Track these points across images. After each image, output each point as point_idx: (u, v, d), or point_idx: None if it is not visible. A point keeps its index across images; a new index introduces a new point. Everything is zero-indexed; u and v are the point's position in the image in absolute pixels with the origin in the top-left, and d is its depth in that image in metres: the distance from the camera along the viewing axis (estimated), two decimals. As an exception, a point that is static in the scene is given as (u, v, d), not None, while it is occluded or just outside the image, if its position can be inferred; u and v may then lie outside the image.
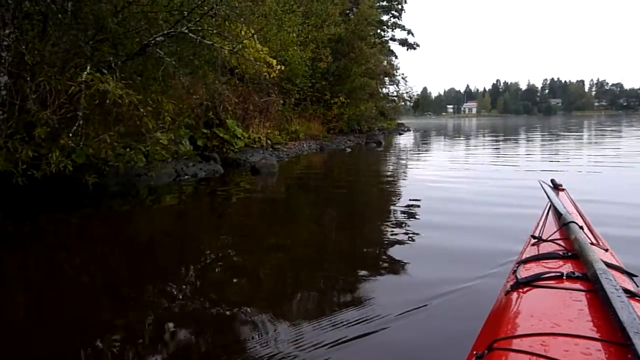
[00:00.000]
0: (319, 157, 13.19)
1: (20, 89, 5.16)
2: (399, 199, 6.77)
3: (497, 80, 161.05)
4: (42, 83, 5.19)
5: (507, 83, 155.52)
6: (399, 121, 41.74)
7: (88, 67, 5.58)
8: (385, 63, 34.03)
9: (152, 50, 6.05)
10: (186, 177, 7.90)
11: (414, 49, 35.14)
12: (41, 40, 5.57)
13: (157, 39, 6.11)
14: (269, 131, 13.75)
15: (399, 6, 33.47)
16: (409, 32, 34.82)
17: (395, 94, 38.50)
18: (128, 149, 5.98)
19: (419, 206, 5.68)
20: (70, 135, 4.99)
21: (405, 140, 23.64)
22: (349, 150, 14.91)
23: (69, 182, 6.27)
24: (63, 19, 5.78)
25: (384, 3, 33.45)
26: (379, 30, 32.41)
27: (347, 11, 23.72)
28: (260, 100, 14.10)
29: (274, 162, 9.21)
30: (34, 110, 4.74)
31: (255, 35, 9.48)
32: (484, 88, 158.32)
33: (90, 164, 5.91)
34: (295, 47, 15.77)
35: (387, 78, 34.97)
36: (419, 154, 15.43)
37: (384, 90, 36.40)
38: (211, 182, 7.88)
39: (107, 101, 5.00)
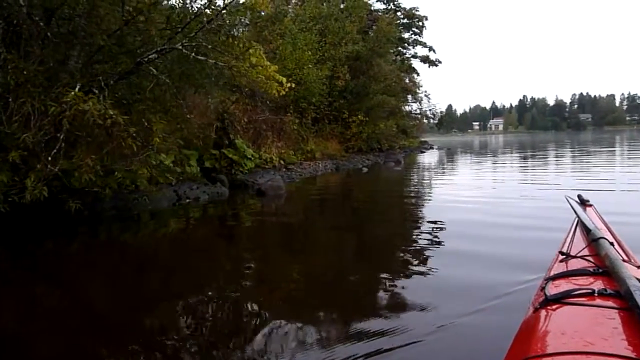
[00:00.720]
0: (334, 177, 12.67)
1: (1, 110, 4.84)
2: (419, 217, 6.42)
3: (524, 96, 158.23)
4: (25, 103, 4.86)
5: (534, 99, 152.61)
6: (422, 139, 41.13)
7: (77, 87, 5.26)
8: (407, 80, 33.67)
9: (146, 68, 5.69)
10: (187, 200, 7.50)
11: (436, 65, 34.64)
12: (26, 59, 5.28)
13: (150, 56, 5.77)
14: (283, 151, 13.37)
15: (420, 23, 33.12)
16: (430, 49, 34.41)
17: (418, 111, 38.12)
18: (116, 173, 5.58)
19: (442, 223, 5.43)
20: (50, 158, 4.62)
21: (428, 158, 22.92)
22: (365, 169, 14.33)
23: (61, 207, 5.96)
24: (50, 38, 5.51)
25: (405, 21, 33.16)
26: (399, 48, 32.08)
27: (366, 29, 23.44)
28: (274, 119, 13.76)
29: (281, 184, 8.74)
30: (3, 132, 4.39)
31: (262, 52, 9.15)
32: (510, 104, 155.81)
33: (74, 189, 5.55)
34: (310, 65, 15.44)
35: (409, 95, 34.57)
36: (441, 172, 14.78)
37: (407, 108, 36.11)
38: (213, 206, 7.45)
39: (89, 122, 4.61)
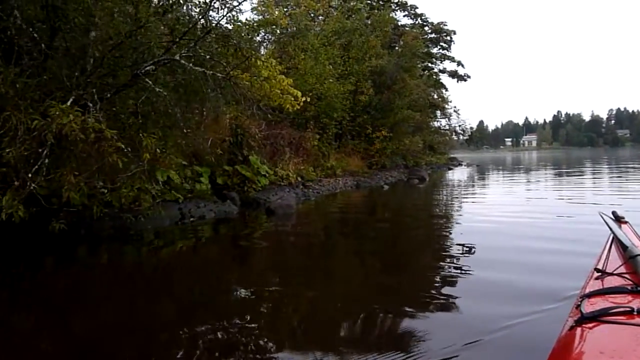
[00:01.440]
0: (353, 195, 12.13)
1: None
2: (444, 239, 6.01)
3: (558, 112, 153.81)
4: (11, 117, 4.59)
5: (569, 114, 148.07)
6: (451, 155, 40.16)
7: (70, 101, 4.98)
8: (435, 96, 32.98)
9: (142, 80, 5.38)
10: (192, 219, 7.13)
11: (465, 80, 33.87)
12: (22, 73, 5.05)
13: (147, 67, 5.46)
14: (301, 167, 12.95)
15: (448, 37, 32.50)
16: (459, 63, 33.68)
17: (446, 127, 37.25)
18: (105, 191, 5.24)
19: (469, 246, 5.11)
20: (29, 175, 4.30)
21: (456, 175, 22.08)
22: (386, 187, 13.69)
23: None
24: (49, 53, 5.27)
25: (432, 35, 32.61)
26: (427, 63, 31.50)
27: (393, 44, 23.03)
28: (292, 134, 13.40)
29: (292, 202, 8.30)
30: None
31: (275, 65, 8.82)
32: (544, 120, 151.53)
33: (71, 208, 5.24)
34: (331, 80, 15.08)
35: (437, 111, 33.83)
36: (470, 189, 14.06)
37: (436, 124, 35.30)
38: (217, 225, 7.06)
39: (74, 137, 4.29)
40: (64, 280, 4.37)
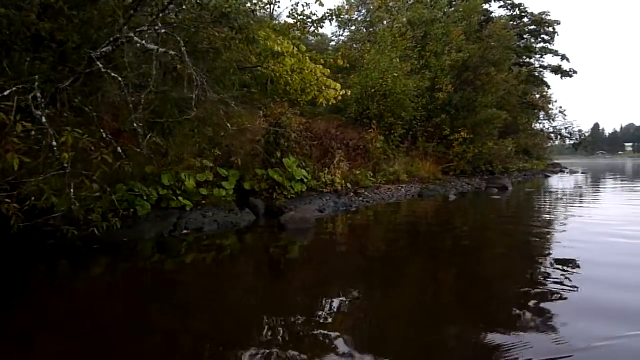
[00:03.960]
0: (410, 205, 10.36)
1: None
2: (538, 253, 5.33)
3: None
4: None
5: None
6: (555, 161, 35.99)
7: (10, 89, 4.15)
8: (537, 95, 29.52)
9: (95, 66, 4.41)
10: (185, 231, 6.08)
11: (570, 76, 29.83)
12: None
13: (104, 49, 4.48)
14: (357, 172, 11.52)
15: (550, 29, 28.79)
16: (563, 57, 29.72)
17: (550, 129, 33.27)
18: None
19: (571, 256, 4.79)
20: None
21: (555, 183, 19.01)
22: (453, 197, 11.64)
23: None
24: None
25: (532, 27, 29.14)
26: (525, 58, 28.21)
27: (478, 34, 20.62)
28: (348, 135, 12.02)
29: (310, 215, 6.91)
30: None
31: (303, 54, 7.57)
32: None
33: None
34: (395, 74, 13.44)
35: (540, 112, 30.27)
36: (572, 201, 11.70)
37: (538, 126, 31.64)
38: (205, 240, 5.91)
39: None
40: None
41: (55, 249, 5.05)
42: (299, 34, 11.23)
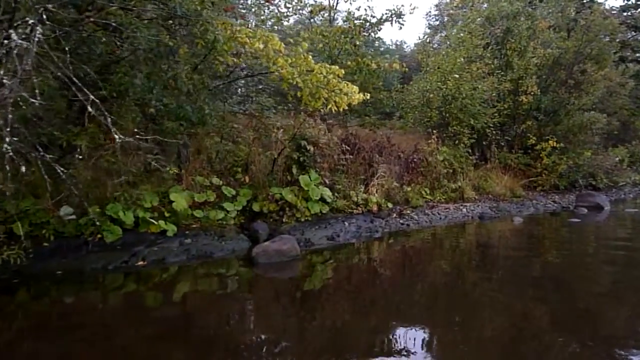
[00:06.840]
0: (456, 232, 8.40)
1: None
2: None
3: None
4: None
5: None
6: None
7: None
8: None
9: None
10: (142, 263, 5.22)
11: None
12: None
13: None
14: (408, 189, 9.99)
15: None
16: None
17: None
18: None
19: None
20: None
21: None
22: (518, 221, 9.42)
23: None
24: None
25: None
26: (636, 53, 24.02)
27: (570, 24, 17.73)
28: (395, 145, 10.54)
29: (292, 246, 5.64)
30: None
31: (303, 51, 6.41)
32: None
33: None
34: (457, 76, 11.67)
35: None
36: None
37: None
38: (154, 277, 4.98)
39: None
40: None
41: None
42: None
